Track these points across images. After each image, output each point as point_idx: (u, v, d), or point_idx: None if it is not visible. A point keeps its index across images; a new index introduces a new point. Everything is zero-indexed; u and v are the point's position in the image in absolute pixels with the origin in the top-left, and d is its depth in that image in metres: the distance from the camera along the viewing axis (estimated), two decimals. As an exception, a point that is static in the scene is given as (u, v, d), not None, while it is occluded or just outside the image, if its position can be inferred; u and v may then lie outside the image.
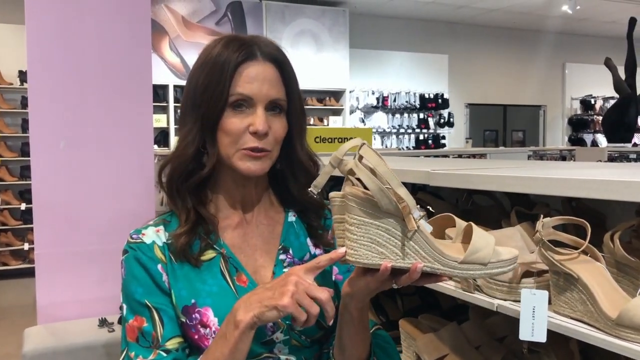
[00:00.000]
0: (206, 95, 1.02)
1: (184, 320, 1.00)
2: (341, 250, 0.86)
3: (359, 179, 0.86)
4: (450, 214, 0.95)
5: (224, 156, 1.03)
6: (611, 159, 6.62)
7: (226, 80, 1.00)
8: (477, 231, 0.89)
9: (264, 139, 1.02)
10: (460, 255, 0.86)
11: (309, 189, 0.93)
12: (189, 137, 1.04)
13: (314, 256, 1.12)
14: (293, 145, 1.09)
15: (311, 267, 0.88)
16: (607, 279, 1.01)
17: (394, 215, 0.85)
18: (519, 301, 1.06)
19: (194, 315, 0.99)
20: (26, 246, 6.57)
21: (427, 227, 0.89)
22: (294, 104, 1.07)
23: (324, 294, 0.86)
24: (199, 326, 0.99)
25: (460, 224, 0.93)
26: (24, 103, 6.59)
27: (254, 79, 1.02)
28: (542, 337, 1.02)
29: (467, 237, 0.91)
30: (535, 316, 1.02)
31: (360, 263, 0.86)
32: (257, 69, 1.02)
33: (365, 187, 0.85)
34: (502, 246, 0.90)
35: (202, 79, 1.03)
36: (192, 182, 1.05)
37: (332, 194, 0.91)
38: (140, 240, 1.03)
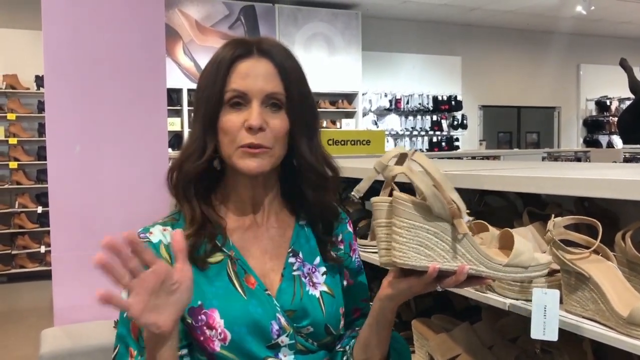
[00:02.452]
0: (204, 95, 1.02)
1: (190, 321, 0.99)
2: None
3: (398, 184, 0.90)
4: (484, 222, 1.00)
5: (226, 156, 1.02)
6: (627, 160, 6.56)
7: (221, 77, 1.00)
8: (518, 236, 0.93)
9: (260, 135, 0.99)
10: (503, 259, 0.90)
11: (351, 194, 0.94)
12: (193, 137, 1.04)
13: (323, 260, 1.11)
14: (298, 144, 1.05)
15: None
16: (619, 278, 1.01)
17: (443, 219, 0.88)
18: (531, 300, 1.07)
19: (200, 317, 0.99)
20: (43, 249, 6.64)
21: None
22: (293, 100, 1.03)
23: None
24: (205, 328, 0.98)
25: (494, 230, 0.97)
26: (41, 107, 6.68)
27: (248, 74, 1.01)
28: (553, 336, 1.02)
29: (503, 243, 0.96)
30: (547, 315, 1.03)
31: (409, 265, 0.88)
32: (250, 64, 1.02)
33: (412, 193, 0.89)
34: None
35: (202, 80, 1.04)
36: (199, 183, 1.04)
37: (376, 199, 0.94)
38: (147, 240, 1.02)
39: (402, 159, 0.95)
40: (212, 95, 1.01)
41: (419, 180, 0.88)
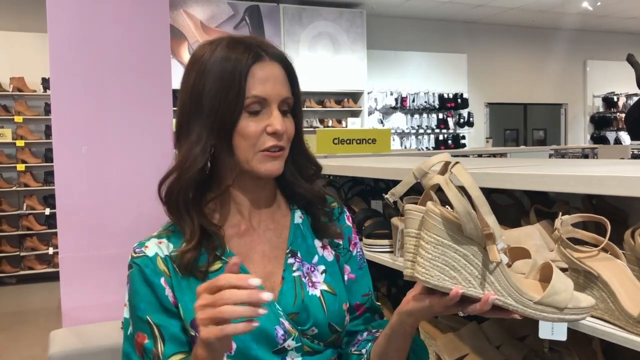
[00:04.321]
0: (218, 102, 0.98)
1: (193, 333, 0.98)
2: (267, 295, 0.78)
3: (438, 196, 0.84)
4: (527, 248, 0.91)
5: (242, 160, 1.01)
6: (635, 156, 6.52)
7: (240, 83, 0.98)
8: (557, 272, 0.84)
9: (281, 139, 1.02)
10: (537, 294, 0.82)
11: (386, 196, 0.91)
12: (196, 148, 0.99)
13: (322, 258, 1.10)
14: (299, 142, 1.09)
15: (212, 287, 0.81)
16: (628, 276, 1.00)
17: (475, 241, 0.82)
18: (539, 299, 1.06)
19: None
20: (51, 250, 6.68)
21: (504, 258, 0.85)
22: (298, 103, 1.07)
23: (238, 295, 0.78)
24: None
25: (537, 259, 0.89)
26: (48, 110, 6.71)
27: (267, 79, 1.00)
28: (562, 336, 1.01)
29: (543, 275, 0.87)
30: (555, 314, 1.01)
31: (430, 284, 0.83)
32: (268, 69, 1.01)
33: (449, 206, 0.83)
34: (578, 292, 0.86)
35: (211, 85, 0.99)
36: (194, 192, 1.02)
37: (409, 206, 0.88)
38: (143, 254, 1.01)
39: (445, 167, 0.87)
40: (230, 101, 0.98)
41: (454, 196, 0.81)
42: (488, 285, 0.82)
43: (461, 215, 0.80)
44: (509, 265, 0.85)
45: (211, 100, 0.99)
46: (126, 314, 1.03)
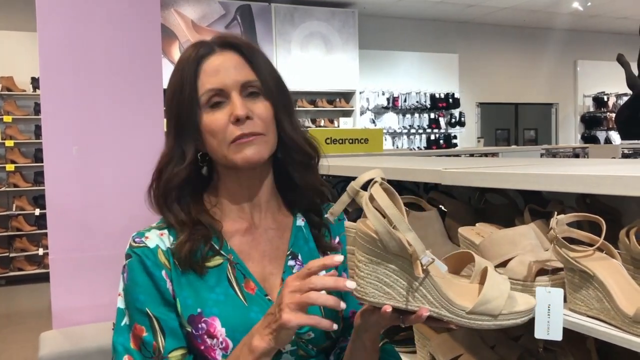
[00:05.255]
0: (175, 102, 1.00)
1: (189, 329, 0.96)
2: (350, 283, 0.83)
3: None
4: (470, 252, 0.91)
5: (219, 156, 1.00)
6: (625, 156, 6.55)
7: (190, 82, 0.99)
8: (491, 279, 0.85)
9: (249, 124, 0.98)
10: (470, 303, 0.82)
11: (326, 216, 0.91)
12: (167, 147, 1.03)
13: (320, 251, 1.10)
14: (282, 127, 1.04)
15: (302, 274, 0.85)
16: (624, 275, 1.00)
17: (402, 257, 0.83)
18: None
19: (200, 325, 0.96)
20: (41, 251, 6.63)
21: (441, 267, 0.86)
22: (268, 85, 1.02)
23: (325, 280, 0.83)
24: (206, 336, 0.96)
25: (480, 263, 0.89)
26: (37, 109, 6.66)
27: (218, 70, 0.99)
28: (558, 336, 1.01)
29: (484, 279, 0.88)
30: (551, 314, 1.01)
31: (366, 301, 0.84)
32: (218, 60, 1.00)
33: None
34: (519, 292, 0.87)
35: (169, 87, 1.02)
36: (183, 189, 1.02)
37: (347, 224, 0.89)
38: (143, 245, 0.99)
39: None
40: (184, 100, 0.99)
41: (372, 216, 0.81)
42: (421, 298, 0.83)
43: (382, 235, 0.81)
44: (451, 268, 0.86)
45: (171, 103, 1.02)
46: (120, 304, 1.00)
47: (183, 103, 0.99)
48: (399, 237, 0.81)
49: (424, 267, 0.81)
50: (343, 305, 0.83)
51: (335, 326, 0.83)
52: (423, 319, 0.83)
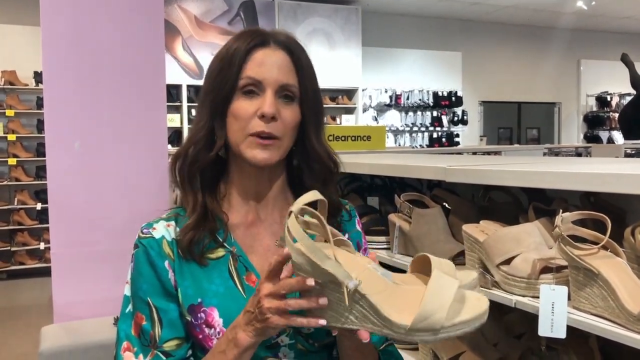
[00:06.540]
0: (217, 81, 1.02)
1: (189, 319, 0.99)
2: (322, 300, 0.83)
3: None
4: (427, 255, 0.86)
5: (233, 143, 1.01)
6: (628, 156, 6.53)
7: (237, 64, 1.00)
8: (431, 289, 0.80)
9: (272, 124, 0.99)
10: (411, 317, 0.78)
11: (276, 241, 0.93)
12: (200, 123, 1.04)
13: None
14: (308, 137, 1.05)
15: (269, 273, 0.86)
16: (628, 274, 0.99)
17: (334, 282, 0.81)
18: (538, 297, 1.05)
19: (199, 315, 0.98)
20: (42, 245, 6.63)
21: (387, 275, 0.84)
22: (307, 93, 1.04)
23: (300, 302, 0.84)
24: (204, 326, 0.98)
25: (435, 264, 0.84)
26: (40, 104, 6.66)
27: (264, 63, 1.00)
28: (561, 333, 1.00)
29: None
30: (555, 312, 1.01)
31: (321, 325, 0.84)
32: (267, 53, 1.02)
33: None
34: (472, 287, 0.85)
35: (214, 67, 1.03)
36: (206, 173, 1.04)
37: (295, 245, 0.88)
38: (150, 235, 1.02)
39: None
40: (226, 80, 1.00)
41: (290, 249, 0.81)
42: (363, 317, 0.82)
43: (303, 266, 0.81)
44: (421, 271, 0.85)
45: (212, 80, 1.03)
46: (127, 291, 1.03)
47: (225, 79, 1.01)
48: (320, 266, 0.80)
49: (349, 292, 0.80)
50: (322, 301, 0.82)
51: (322, 322, 0.83)
52: (367, 340, 0.83)
